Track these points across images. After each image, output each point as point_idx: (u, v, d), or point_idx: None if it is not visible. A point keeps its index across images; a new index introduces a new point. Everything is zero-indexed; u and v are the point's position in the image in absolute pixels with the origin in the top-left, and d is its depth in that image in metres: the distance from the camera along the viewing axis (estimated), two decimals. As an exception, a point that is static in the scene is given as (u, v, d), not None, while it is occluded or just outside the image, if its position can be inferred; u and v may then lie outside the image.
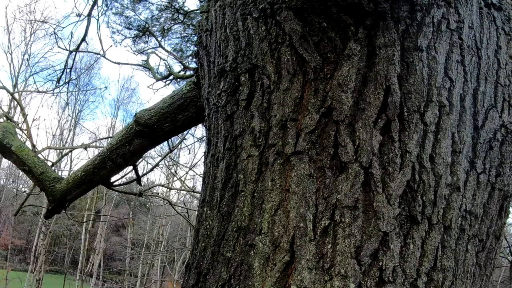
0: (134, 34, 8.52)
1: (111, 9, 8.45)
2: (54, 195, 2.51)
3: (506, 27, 1.52)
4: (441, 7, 1.32)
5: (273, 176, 1.34)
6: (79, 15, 5.62)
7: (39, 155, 2.85)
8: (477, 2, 1.44)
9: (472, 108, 1.39)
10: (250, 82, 1.44)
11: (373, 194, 1.24)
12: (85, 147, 4.21)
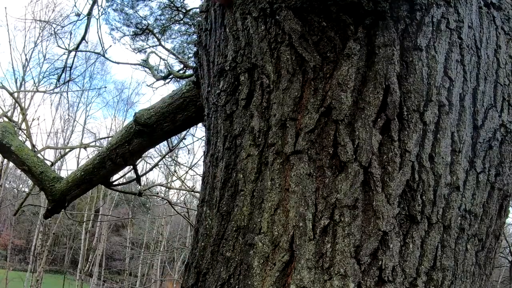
0: (133, 32, 8.52)
1: (112, 5, 8.44)
2: (53, 195, 2.51)
3: (506, 26, 1.52)
4: (441, 6, 1.32)
5: (273, 176, 1.34)
6: (78, 15, 5.61)
7: (39, 155, 2.84)
8: (476, 2, 1.44)
9: (471, 107, 1.39)
10: (249, 81, 1.44)
11: (373, 193, 1.24)
12: (84, 146, 4.21)
